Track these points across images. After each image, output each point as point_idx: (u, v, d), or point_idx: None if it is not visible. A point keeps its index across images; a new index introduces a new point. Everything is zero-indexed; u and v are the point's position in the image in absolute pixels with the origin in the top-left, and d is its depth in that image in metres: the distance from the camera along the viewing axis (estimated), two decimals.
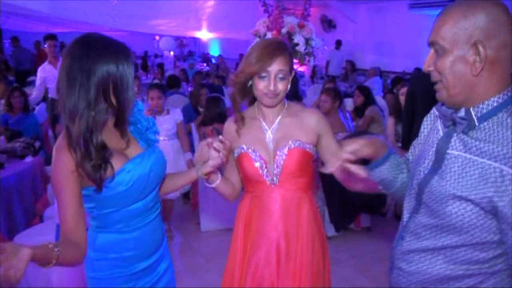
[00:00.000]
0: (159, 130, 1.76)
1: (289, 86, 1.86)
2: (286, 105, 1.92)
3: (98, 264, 1.64)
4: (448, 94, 1.26)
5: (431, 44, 1.28)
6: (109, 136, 1.54)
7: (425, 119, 1.51)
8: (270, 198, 1.90)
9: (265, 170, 1.87)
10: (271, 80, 1.78)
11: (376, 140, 1.53)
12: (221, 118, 4.55)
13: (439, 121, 1.39)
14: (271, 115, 1.90)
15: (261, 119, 1.91)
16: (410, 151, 1.61)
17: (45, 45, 5.77)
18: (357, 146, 1.46)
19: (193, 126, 4.81)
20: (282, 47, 1.81)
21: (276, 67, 1.77)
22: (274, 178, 1.87)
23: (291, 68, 1.84)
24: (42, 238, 3.08)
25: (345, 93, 7.31)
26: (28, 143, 3.93)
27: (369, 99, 5.47)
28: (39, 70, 5.77)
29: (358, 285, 3.57)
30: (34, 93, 5.74)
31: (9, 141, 4.11)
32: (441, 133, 1.35)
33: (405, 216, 1.45)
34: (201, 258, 3.98)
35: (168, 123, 4.25)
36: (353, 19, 11.16)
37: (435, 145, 1.35)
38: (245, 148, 1.88)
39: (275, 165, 1.86)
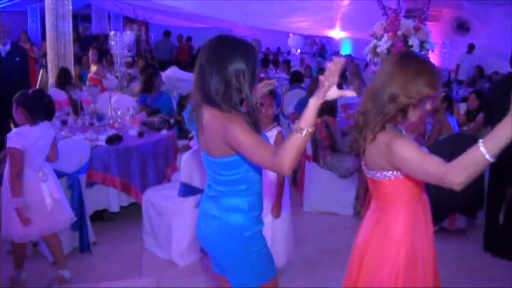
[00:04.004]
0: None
1: None
2: None
3: (249, 223, 2.01)
4: None
5: None
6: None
7: None
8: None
9: None
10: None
11: None
12: (331, 111, 4.93)
13: None
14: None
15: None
16: None
17: None
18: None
19: None
20: None
21: None
22: None
23: None
24: (169, 193, 3.81)
25: (463, 97, 7.25)
26: (164, 119, 4.74)
27: (484, 105, 5.46)
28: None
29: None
30: None
31: (149, 116, 4.97)
32: None
33: None
34: (301, 234, 4.38)
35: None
36: (488, 22, 10.69)
37: None
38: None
39: None
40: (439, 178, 1.62)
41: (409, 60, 1.89)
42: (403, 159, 1.78)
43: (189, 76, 7.07)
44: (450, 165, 1.59)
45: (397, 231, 1.98)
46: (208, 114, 1.91)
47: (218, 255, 2.09)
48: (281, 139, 3.25)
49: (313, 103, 1.66)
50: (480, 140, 1.51)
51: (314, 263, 3.89)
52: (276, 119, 3.86)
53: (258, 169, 2.00)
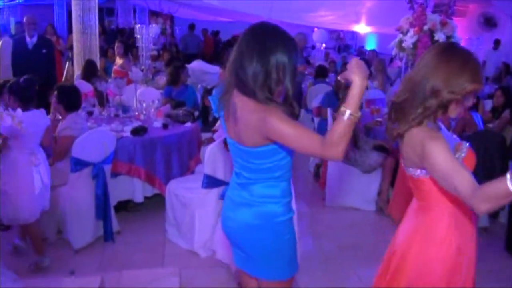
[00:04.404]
0: None
1: None
2: None
3: (282, 209, 1.96)
4: None
5: None
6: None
7: None
8: None
9: None
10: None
11: None
12: None
13: None
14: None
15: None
16: None
17: None
18: None
19: (329, 111, 5.24)
20: None
21: None
22: None
23: None
24: (192, 185, 3.85)
25: (489, 94, 7.13)
26: (189, 112, 4.80)
27: (510, 102, 5.38)
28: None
29: None
30: None
31: (174, 109, 5.03)
32: None
33: None
34: (322, 228, 4.42)
35: None
36: None
37: None
38: (467, 145, 1.79)
39: None
40: (464, 199, 1.56)
41: (453, 53, 1.78)
42: (432, 164, 1.70)
43: (214, 69, 7.12)
44: (477, 192, 1.51)
45: (440, 233, 1.88)
46: (242, 104, 1.84)
47: (248, 245, 2.01)
48: None
49: (358, 85, 1.65)
50: (508, 173, 1.42)
51: (334, 257, 3.89)
52: None
53: (292, 155, 1.95)
